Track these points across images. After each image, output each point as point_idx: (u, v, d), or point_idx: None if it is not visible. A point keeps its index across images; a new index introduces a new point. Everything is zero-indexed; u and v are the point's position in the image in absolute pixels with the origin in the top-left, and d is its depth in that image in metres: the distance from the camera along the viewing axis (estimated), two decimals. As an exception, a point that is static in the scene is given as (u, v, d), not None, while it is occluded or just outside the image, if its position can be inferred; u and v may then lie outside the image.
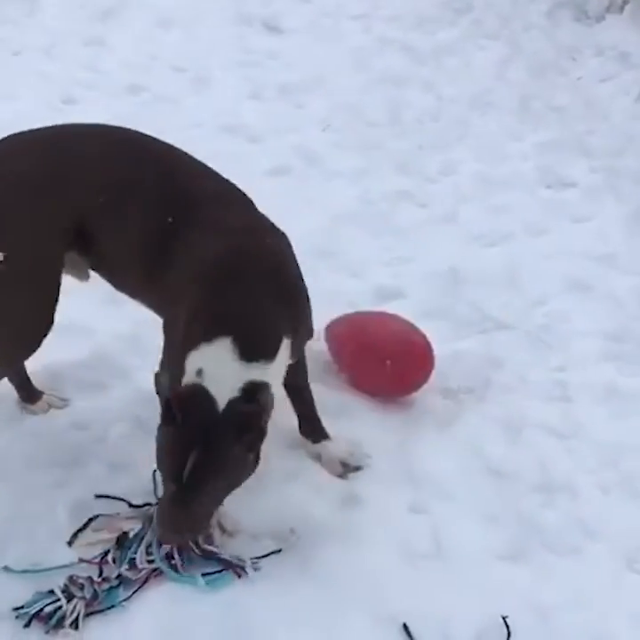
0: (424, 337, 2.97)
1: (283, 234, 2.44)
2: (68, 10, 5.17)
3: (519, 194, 4.00)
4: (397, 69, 4.85)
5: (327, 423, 2.77)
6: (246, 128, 4.27)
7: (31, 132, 2.46)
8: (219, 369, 2.19)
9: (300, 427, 2.75)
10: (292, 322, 2.33)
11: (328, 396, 2.93)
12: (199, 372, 2.20)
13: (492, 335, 3.27)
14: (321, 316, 2.65)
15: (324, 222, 3.64)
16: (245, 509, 2.56)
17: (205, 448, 2.14)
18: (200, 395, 2.18)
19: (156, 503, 2.38)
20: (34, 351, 2.52)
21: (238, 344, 2.20)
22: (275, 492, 2.64)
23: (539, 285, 3.49)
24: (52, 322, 2.45)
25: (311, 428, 2.75)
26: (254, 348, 2.22)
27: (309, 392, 2.73)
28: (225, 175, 2.50)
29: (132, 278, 2.50)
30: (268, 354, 2.25)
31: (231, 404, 2.17)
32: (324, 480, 2.72)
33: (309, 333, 2.51)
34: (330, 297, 2.98)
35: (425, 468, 2.78)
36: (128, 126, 2.53)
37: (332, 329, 3.06)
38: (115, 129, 2.52)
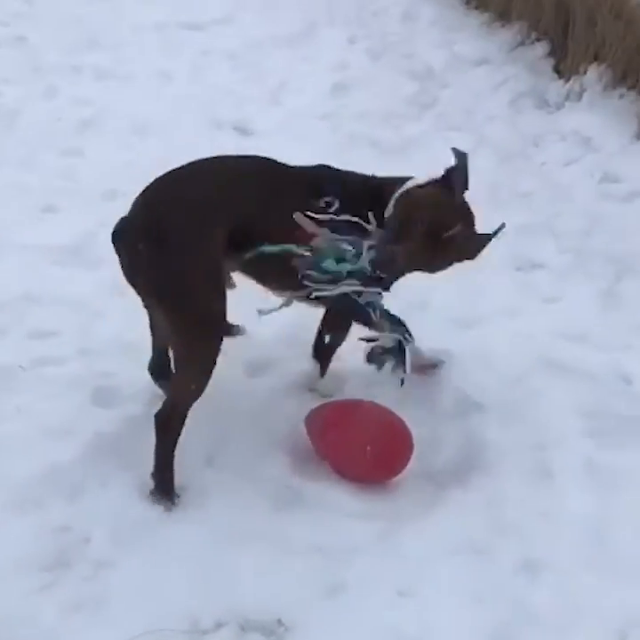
0: (402, 422, 3.03)
1: None
2: (46, 123, 5.30)
3: (491, 277, 4.08)
4: (367, 165, 4.95)
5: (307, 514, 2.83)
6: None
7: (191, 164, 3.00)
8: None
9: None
10: None
11: (309, 486, 2.98)
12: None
13: (471, 416, 3.31)
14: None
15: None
16: (231, 602, 2.59)
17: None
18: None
19: None
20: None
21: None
22: (260, 581, 2.67)
23: (514, 365, 3.54)
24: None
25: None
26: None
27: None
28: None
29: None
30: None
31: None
32: (309, 568, 2.74)
33: None
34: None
35: (410, 551, 2.80)
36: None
37: (312, 417, 3.11)
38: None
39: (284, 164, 3.13)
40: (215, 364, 2.88)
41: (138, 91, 5.67)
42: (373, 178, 3.26)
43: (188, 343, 2.85)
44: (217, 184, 2.94)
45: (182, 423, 2.91)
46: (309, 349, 3.41)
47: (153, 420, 2.93)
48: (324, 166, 3.22)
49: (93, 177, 4.80)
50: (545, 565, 2.78)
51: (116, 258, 2.89)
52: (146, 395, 3.33)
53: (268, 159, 3.13)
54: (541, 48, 5.88)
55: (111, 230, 2.92)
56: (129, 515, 2.89)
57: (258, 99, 5.70)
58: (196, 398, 2.89)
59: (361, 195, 3.09)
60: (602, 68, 5.36)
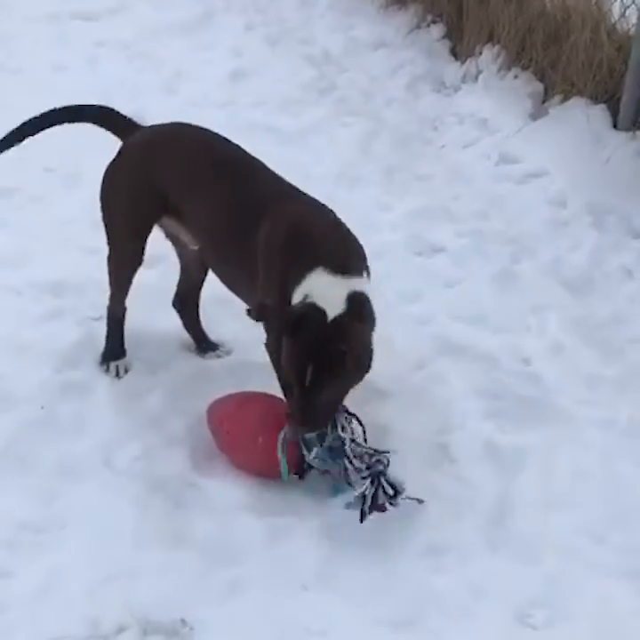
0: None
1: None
2: None
3: (391, 264, 4.08)
4: (265, 152, 4.90)
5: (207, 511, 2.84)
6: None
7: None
8: (323, 287, 2.72)
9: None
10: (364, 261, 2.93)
11: (209, 482, 2.95)
12: (305, 297, 2.72)
13: (373, 404, 3.29)
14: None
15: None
16: (131, 604, 2.55)
17: (319, 359, 2.65)
18: (312, 310, 2.69)
19: None
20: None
21: (332, 267, 2.75)
22: (161, 581, 2.63)
23: (415, 351, 3.55)
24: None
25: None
26: (346, 267, 2.79)
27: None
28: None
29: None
30: (359, 270, 2.86)
31: (337, 318, 2.70)
32: (211, 565, 2.71)
33: None
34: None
35: (311, 544, 2.79)
36: None
37: (212, 409, 3.08)
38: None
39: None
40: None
41: (29, 84, 5.52)
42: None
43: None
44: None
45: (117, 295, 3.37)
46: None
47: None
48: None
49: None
50: (448, 549, 2.78)
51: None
52: (41, 396, 3.25)
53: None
54: (437, 30, 5.90)
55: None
56: (25, 521, 2.81)
57: (154, 88, 5.61)
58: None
59: None
60: (496, 49, 5.40)
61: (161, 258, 3.62)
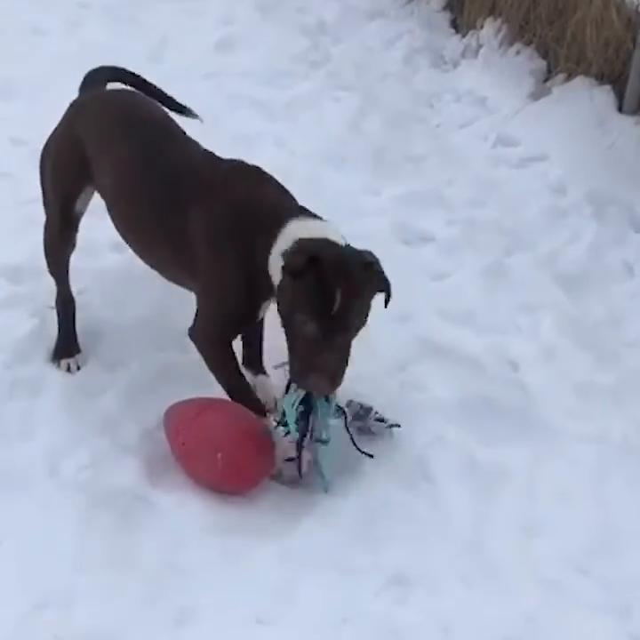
0: (262, 425, 2.75)
1: None
2: None
3: (375, 252, 3.80)
4: (249, 127, 4.65)
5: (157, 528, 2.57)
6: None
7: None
8: (310, 228, 2.59)
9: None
10: None
11: (162, 496, 2.71)
12: (296, 242, 2.56)
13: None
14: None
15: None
16: (65, 631, 2.32)
17: (350, 282, 2.49)
18: (319, 240, 2.56)
19: None
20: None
21: (307, 215, 2.69)
22: (100, 606, 2.40)
23: (394, 351, 3.29)
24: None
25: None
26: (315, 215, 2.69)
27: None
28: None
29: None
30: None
31: (348, 247, 2.61)
32: (158, 589, 2.48)
33: None
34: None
35: (270, 570, 2.56)
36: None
37: (170, 413, 2.83)
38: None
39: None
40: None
41: (5, 48, 5.22)
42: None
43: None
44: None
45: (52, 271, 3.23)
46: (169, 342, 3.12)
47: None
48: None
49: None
50: (416, 580, 2.55)
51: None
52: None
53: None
54: (437, 1, 5.58)
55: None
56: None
57: (137, 57, 5.25)
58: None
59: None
60: (498, 23, 5.11)
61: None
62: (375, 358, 3.24)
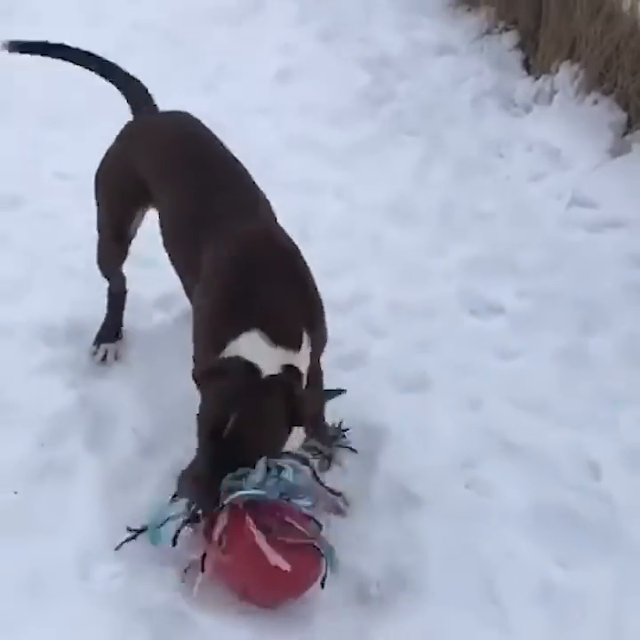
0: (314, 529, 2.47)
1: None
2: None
3: (440, 324, 3.54)
4: (307, 172, 4.38)
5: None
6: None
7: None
8: (256, 352, 2.37)
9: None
10: (309, 320, 2.52)
11: (201, 613, 2.44)
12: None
13: (405, 513, 2.78)
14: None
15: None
16: None
17: (248, 407, 2.29)
18: (244, 362, 2.35)
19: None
20: None
21: (267, 334, 2.39)
22: None
23: (458, 444, 3.01)
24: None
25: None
26: (282, 337, 2.41)
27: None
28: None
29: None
30: (294, 344, 2.44)
31: (273, 376, 2.36)
32: None
33: (323, 340, 2.65)
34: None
35: None
36: None
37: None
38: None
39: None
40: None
41: (54, 67, 4.96)
42: None
43: None
44: None
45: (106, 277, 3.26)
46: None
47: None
48: None
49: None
50: None
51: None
52: (17, 478, 2.79)
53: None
54: (510, 39, 5.29)
55: None
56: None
57: (190, 86, 5.05)
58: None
59: None
60: (576, 68, 4.78)
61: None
62: (438, 453, 2.99)
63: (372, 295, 3.66)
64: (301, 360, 2.47)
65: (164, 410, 3.00)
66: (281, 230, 2.74)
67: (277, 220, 2.86)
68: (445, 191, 4.30)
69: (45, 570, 2.53)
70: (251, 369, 2.36)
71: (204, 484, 2.33)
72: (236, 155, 3.01)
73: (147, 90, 3.24)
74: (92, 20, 5.55)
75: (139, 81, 3.24)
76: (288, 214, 4.05)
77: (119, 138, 3.09)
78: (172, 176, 2.87)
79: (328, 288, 3.60)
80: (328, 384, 3.15)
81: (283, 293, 2.49)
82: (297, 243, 3.73)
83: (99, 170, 3.10)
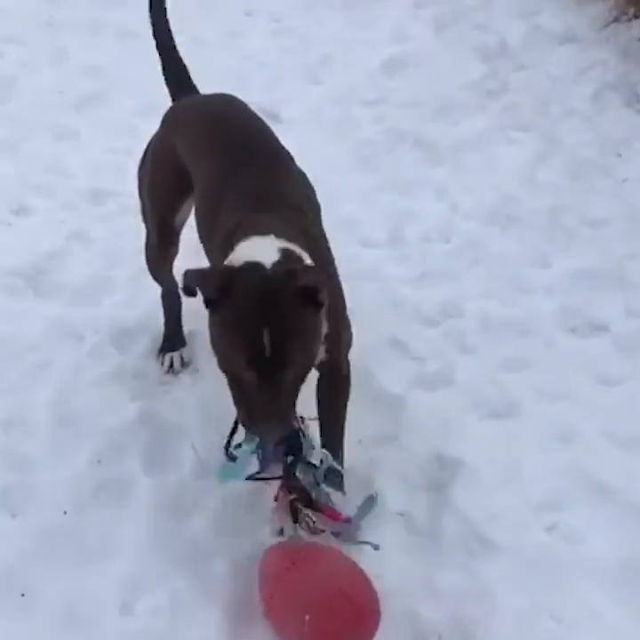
0: (365, 585, 2.26)
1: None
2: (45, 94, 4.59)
3: (535, 344, 3.26)
4: (408, 170, 4.14)
5: None
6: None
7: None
8: (258, 246, 2.18)
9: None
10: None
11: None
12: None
13: (476, 559, 2.54)
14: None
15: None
16: None
17: (278, 315, 2.04)
18: (246, 267, 2.11)
19: None
20: None
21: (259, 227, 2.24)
22: None
23: (544, 485, 2.74)
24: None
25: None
26: (274, 227, 2.24)
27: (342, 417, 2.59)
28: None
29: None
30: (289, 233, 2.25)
31: (276, 265, 2.12)
32: None
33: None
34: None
35: None
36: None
37: (265, 556, 2.38)
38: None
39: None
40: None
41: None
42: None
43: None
44: None
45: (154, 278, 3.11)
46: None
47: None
48: None
49: (80, 171, 4.09)
50: None
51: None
52: (68, 496, 2.68)
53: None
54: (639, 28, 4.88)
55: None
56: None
57: (295, 76, 4.88)
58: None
59: None
60: None
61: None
62: (517, 489, 2.72)
63: (464, 307, 3.41)
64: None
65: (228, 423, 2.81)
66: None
67: (313, 206, 2.63)
68: (555, 194, 3.99)
69: (86, 600, 2.41)
70: (254, 268, 2.12)
71: (276, 408, 2.10)
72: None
73: (190, 77, 3.05)
74: (202, 9, 5.40)
75: (185, 67, 3.06)
76: (382, 214, 3.89)
77: (161, 124, 2.91)
78: (205, 156, 2.66)
79: (418, 297, 3.44)
80: (407, 408, 2.96)
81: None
82: (374, 263, 3.56)
83: (141, 160, 2.95)
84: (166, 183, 2.82)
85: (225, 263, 2.19)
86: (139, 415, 2.91)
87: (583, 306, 3.41)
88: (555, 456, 2.83)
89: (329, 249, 2.53)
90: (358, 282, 3.47)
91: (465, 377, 3.12)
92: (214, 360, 2.93)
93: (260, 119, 2.82)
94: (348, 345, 2.58)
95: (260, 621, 2.32)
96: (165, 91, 3.06)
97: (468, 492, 2.69)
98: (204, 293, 2.12)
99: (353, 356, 2.66)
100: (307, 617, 2.17)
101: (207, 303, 2.13)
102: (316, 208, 2.66)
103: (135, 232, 3.18)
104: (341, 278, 3.37)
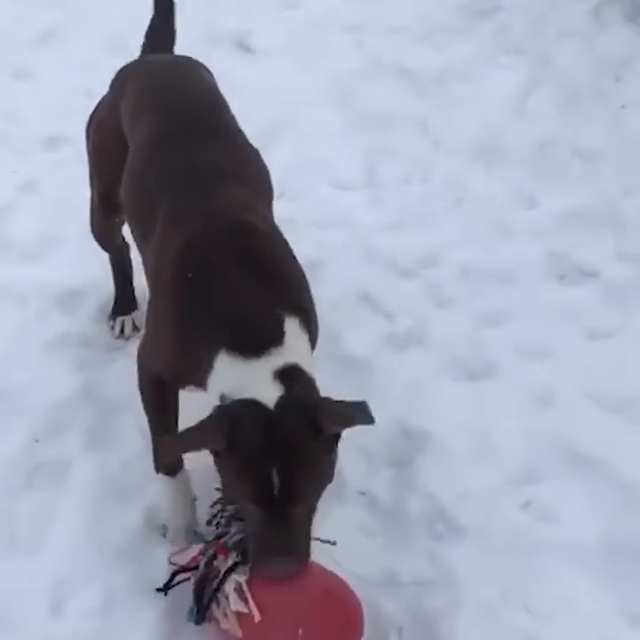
0: (348, 592, 2.05)
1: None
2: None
3: (520, 294, 3.01)
4: (388, 102, 3.84)
5: None
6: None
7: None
8: (239, 382, 1.89)
9: None
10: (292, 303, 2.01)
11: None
12: (223, 398, 1.90)
13: (445, 545, 2.31)
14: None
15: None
16: None
17: (286, 455, 1.82)
18: (247, 411, 1.85)
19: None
20: None
21: (236, 348, 1.91)
22: None
23: (518, 456, 2.51)
24: None
25: None
26: (259, 341, 1.92)
27: None
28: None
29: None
30: (275, 338, 1.93)
31: (281, 401, 1.86)
32: None
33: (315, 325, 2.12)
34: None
35: None
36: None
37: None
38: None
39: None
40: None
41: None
42: None
43: None
44: None
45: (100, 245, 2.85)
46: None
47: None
48: None
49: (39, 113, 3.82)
50: None
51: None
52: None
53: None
54: None
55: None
56: None
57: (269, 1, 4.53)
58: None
59: None
60: None
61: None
62: (489, 461, 2.49)
63: (442, 257, 3.15)
64: (294, 350, 1.97)
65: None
66: (252, 208, 2.17)
67: (263, 186, 2.34)
68: (546, 125, 3.69)
69: (13, 600, 2.21)
70: (249, 406, 1.87)
71: (288, 544, 1.90)
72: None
73: (173, 42, 2.81)
74: None
75: (173, 32, 2.82)
76: (357, 154, 3.60)
77: (110, 86, 2.65)
78: (142, 119, 2.38)
79: (393, 246, 3.18)
80: (374, 369, 2.73)
81: (251, 288, 1.98)
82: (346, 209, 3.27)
83: (89, 119, 2.70)
84: (109, 152, 2.54)
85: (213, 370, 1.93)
86: (83, 387, 2.69)
87: (572, 250, 3.15)
88: (532, 422, 2.60)
89: (286, 242, 2.19)
90: (328, 230, 3.24)
91: (439, 335, 2.88)
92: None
93: (217, 90, 2.54)
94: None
95: (203, 627, 2.10)
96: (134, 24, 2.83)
97: (434, 468, 2.47)
98: (208, 448, 1.90)
99: (319, 314, 2.36)
100: (300, 630, 1.96)
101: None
102: (268, 193, 2.36)
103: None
104: (310, 226, 3.13)
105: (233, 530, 2.05)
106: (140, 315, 2.90)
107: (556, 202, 3.33)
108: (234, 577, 1.97)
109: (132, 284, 2.93)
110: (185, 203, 2.12)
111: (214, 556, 2.03)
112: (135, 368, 2.25)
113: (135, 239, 2.35)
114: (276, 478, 1.82)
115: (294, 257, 2.14)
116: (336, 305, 2.91)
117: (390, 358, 2.78)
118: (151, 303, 2.17)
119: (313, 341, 2.08)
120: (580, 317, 2.92)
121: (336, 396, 2.03)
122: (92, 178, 2.70)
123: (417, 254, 3.15)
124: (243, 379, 1.90)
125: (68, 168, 3.49)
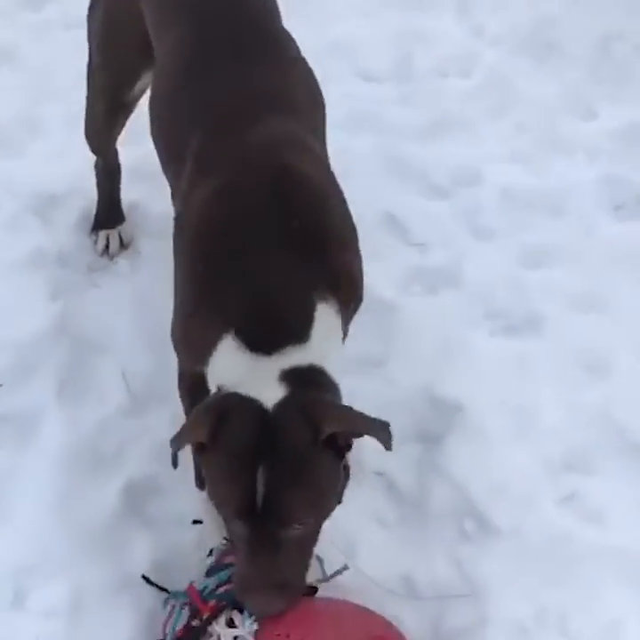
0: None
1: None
2: None
3: (569, 227, 2.59)
4: (380, 15, 3.30)
5: None
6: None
7: None
8: (239, 377, 1.58)
9: None
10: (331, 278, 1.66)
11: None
12: (219, 389, 1.62)
13: (471, 542, 1.99)
14: None
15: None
16: None
17: (276, 458, 1.52)
18: (239, 401, 1.56)
19: None
20: None
21: (245, 336, 1.59)
22: None
23: (563, 438, 2.15)
24: None
25: None
26: (271, 337, 1.59)
27: None
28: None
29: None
30: (297, 333, 1.60)
31: (282, 401, 1.56)
32: None
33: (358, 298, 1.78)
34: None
35: None
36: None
37: None
38: None
39: None
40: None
41: None
42: None
43: None
44: None
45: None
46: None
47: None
48: None
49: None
50: None
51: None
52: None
53: None
54: None
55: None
56: None
57: None
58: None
59: None
60: None
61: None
62: (526, 442, 2.14)
63: (480, 176, 2.72)
64: (318, 349, 1.62)
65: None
66: (300, 146, 1.77)
67: (317, 115, 1.93)
68: (608, 14, 3.18)
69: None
70: (243, 402, 1.56)
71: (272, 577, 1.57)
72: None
73: None
74: None
75: None
76: (387, 37, 3.10)
77: None
78: (172, 17, 1.97)
79: (420, 156, 2.75)
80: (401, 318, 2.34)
81: (283, 259, 1.62)
82: (387, 77, 2.78)
83: (90, 6, 2.24)
84: (123, 47, 2.15)
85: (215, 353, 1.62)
86: (58, 320, 2.32)
87: (633, 174, 2.70)
88: (579, 395, 2.23)
89: (337, 191, 1.81)
90: (350, 131, 2.78)
91: (475, 274, 2.48)
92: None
93: None
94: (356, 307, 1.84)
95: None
96: None
97: (465, 449, 2.11)
98: (191, 441, 1.61)
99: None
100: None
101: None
102: (322, 122, 1.96)
103: (79, 52, 2.36)
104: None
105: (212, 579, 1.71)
106: (128, 229, 2.49)
107: (618, 112, 2.88)
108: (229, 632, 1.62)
109: (119, 192, 2.55)
110: (217, 141, 1.73)
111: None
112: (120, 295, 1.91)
113: (166, 175, 1.93)
114: (260, 484, 1.51)
115: (346, 210, 1.77)
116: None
117: (418, 302, 2.39)
118: (174, 265, 1.78)
119: (351, 314, 1.74)
120: (636, 257, 2.52)
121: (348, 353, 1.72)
122: (93, 73, 2.28)
123: (452, 168, 2.73)
124: (244, 374, 1.58)
125: (52, 33, 3.03)
